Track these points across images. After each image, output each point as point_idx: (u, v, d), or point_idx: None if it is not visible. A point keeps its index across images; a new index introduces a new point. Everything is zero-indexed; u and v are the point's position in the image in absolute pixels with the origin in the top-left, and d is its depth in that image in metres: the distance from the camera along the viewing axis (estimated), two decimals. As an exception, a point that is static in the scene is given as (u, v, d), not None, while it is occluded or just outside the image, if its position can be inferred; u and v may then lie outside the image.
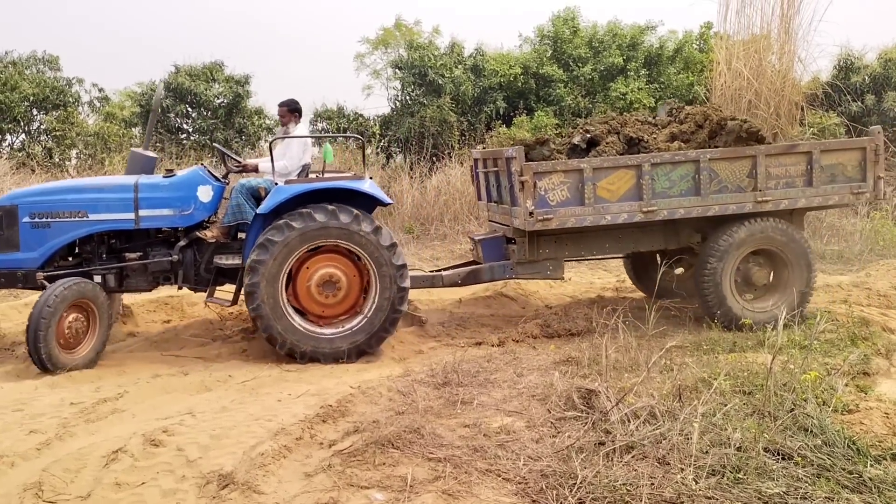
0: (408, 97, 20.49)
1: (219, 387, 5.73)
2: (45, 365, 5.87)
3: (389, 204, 6.91)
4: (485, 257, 7.37)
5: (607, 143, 7.15)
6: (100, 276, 6.47)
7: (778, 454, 3.81)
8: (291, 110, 7.25)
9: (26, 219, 6.33)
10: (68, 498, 3.78)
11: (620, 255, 8.52)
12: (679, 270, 8.67)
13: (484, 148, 14.21)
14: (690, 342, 6.26)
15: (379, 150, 17.86)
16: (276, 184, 6.69)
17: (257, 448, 4.25)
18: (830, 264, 10.34)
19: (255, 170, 7.07)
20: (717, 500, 3.37)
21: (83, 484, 3.93)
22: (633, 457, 3.81)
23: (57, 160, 19.73)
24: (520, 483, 3.62)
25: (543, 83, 18.77)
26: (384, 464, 3.85)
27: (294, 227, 6.26)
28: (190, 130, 21.61)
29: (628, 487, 3.46)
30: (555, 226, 6.67)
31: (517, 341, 6.61)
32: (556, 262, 7.15)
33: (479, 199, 8.20)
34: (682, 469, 3.63)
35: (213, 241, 6.70)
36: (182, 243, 6.65)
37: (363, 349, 6.41)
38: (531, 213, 6.56)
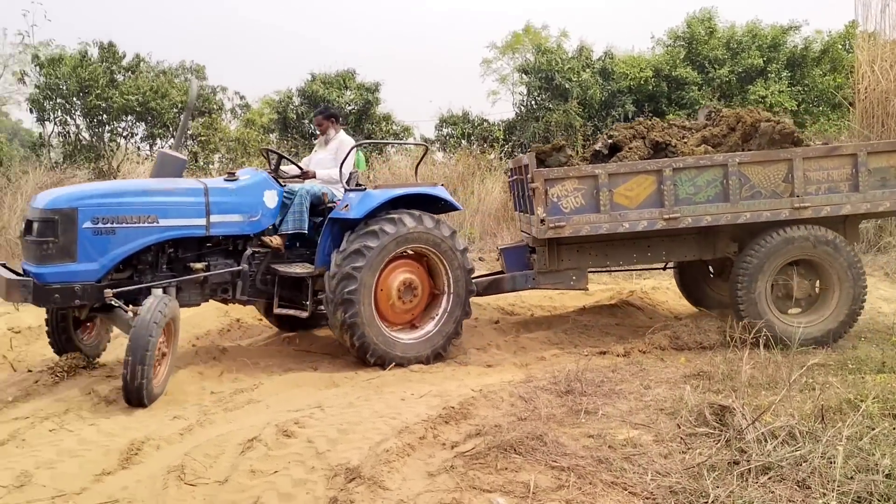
0: (533, 102, 20.42)
1: (346, 383, 5.91)
2: (142, 400, 5.11)
3: (459, 210, 6.97)
4: (507, 266, 7.27)
5: (630, 149, 6.83)
6: (160, 292, 5.61)
7: (935, 486, 3.50)
8: (328, 117, 7.31)
9: (87, 224, 5.48)
10: (207, 481, 3.99)
11: (650, 267, 8.24)
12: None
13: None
14: (834, 360, 5.87)
15: (502, 155, 17.86)
16: (342, 189, 6.72)
17: (382, 444, 4.34)
18: None
19: (314, 176, 6.89)
20: (865, 531, 3.13)
21: (221, 469, 4.14)
22: (769, 478, 3.60)
23: (201, 164, 21.00)
24: (647, 498, 3.50)
25: (676, 86, 18.23)
26: (506, 469, 3.83)
27: (388, 232, 6.18)
28: (313, 131, 22.43)
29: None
30: (568, 233, 6.45)
31: (643, 352, 6.42)
32: (579, 272, 6.94)
33: (515, 208, 8.02)
34: (824, 494, 3.40)
35: (277, 249, 6.43)
36: (248, 252, 6.33)
37: (439, 353, 6.45)
38: (542, 221, 6.38)
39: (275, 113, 22.73)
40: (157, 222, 5.78)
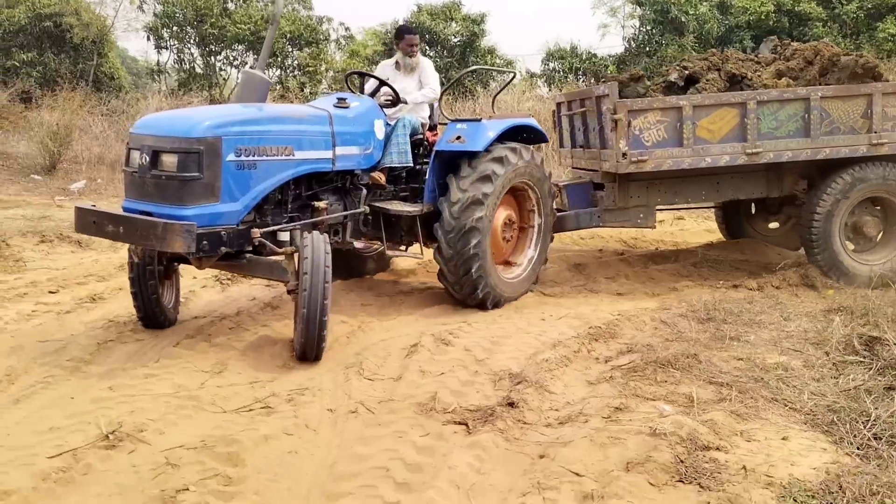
0: (645, 36, 19.90)
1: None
2: (320, 352, 4.61)
3: (546, 142, 6.79)
4: (570, 204, 6.93)
5: (707, 81, 6.58)
6: (286, 235, 5.03)
7: None
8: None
9: (231, 157, 4.61)
10: (383, 377, 4.38)
11: (716, 204, 8.05)
12: (773, 224, 8.14)
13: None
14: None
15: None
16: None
17: (538, 356, 4.63)
18: None
19: (405, 102, 6.13)
20: None
21: (392, 368, 4.53)
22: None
23: (308, 93, 21.49)
24: (808, 414, 3.66)
25: (798, 22, 17.43)
26: (666, 381, 4.06)
27: (511, 162, 5.85)
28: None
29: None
30: (650, 168, 6.21)
31: (777, 287, 6.45)
32: (647, 210, 6.72)
33: (562, 145, 7.74)
34: None
35: (382, 186, 5.78)
36: (362, 190, 5.69)
37: (529, 289, 6.30)
38: (624, 155, 6.10)
39: (380, 44, 22.91)
40: (293, 155, 5.01)
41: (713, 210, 8.68)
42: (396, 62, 6.51)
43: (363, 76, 6.22)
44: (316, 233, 4.74)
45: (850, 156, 6.37)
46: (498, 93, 7.57)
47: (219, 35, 21.78)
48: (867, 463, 3.13)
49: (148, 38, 22.38)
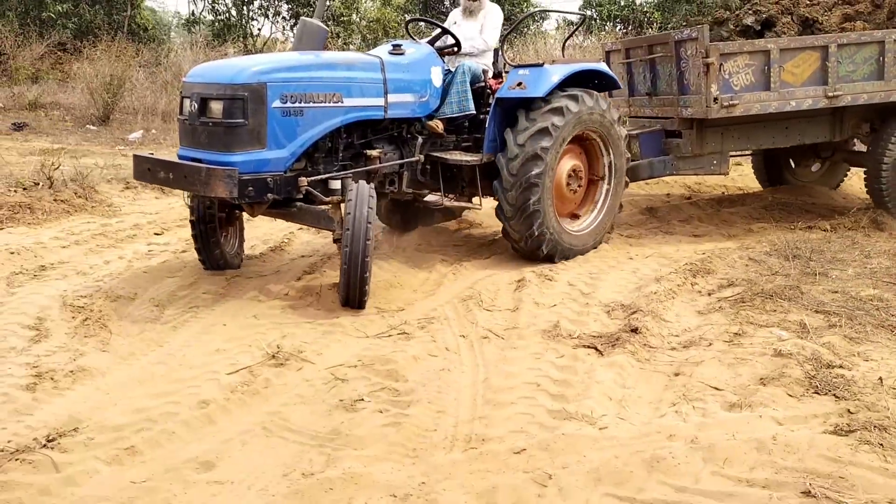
0: (684, -17, 19.68)
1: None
2: (364, 298, 4.58)
3: (619, 89, 6.63)
4: (643, 152, 6.90)
5: (784, 24, 6.65)
6: (338, 184, 4.93)
7: None
8: None
9: (277, 103, 4.63)
10: (500, 308, 4.68)
11: (753, 152, 8.13)
12: (815, 167, 8.30)
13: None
14: None
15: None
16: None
17: (643, 289, 4.91)
18: None
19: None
20: None
21: (505, 300, 4.83)
22: None
23: (342, 44, 21.48)
24: (904, 335, 3.94)
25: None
26: (775, 311, 4.33)
27: (572, 110, 5.60)
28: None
29: None
30: (739, 112, 6.26)
31: (850, 228, 6.66)
32: (721, 157, 6.79)
33: (636, 92, 7.39)
34: None
35: (440, 135, 5.72)
36: (418, 139, 5.61)
37: (599, 241, 6.12)
38: (716, 99, 6.09)
39: (414, -7, 22.81)
40: (342, 102, 4.97)
41: (750, 158, 8.78)
42: (464, 6, 6.35)
43: (425, 22, 6.36)
44: (362, 182, 4.71)
45: None
46: (569, 37, 7.57)
47: (254, -15, 21.77)
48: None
49: (183, -12, 22.34)
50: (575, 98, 5.67)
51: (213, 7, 23.00)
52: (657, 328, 4.20)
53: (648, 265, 5.64)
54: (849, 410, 3.10)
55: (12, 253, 5.57)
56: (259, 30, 23.25)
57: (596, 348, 3.96)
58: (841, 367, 3.55)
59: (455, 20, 6.43)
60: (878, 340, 3.89)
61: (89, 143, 12.51)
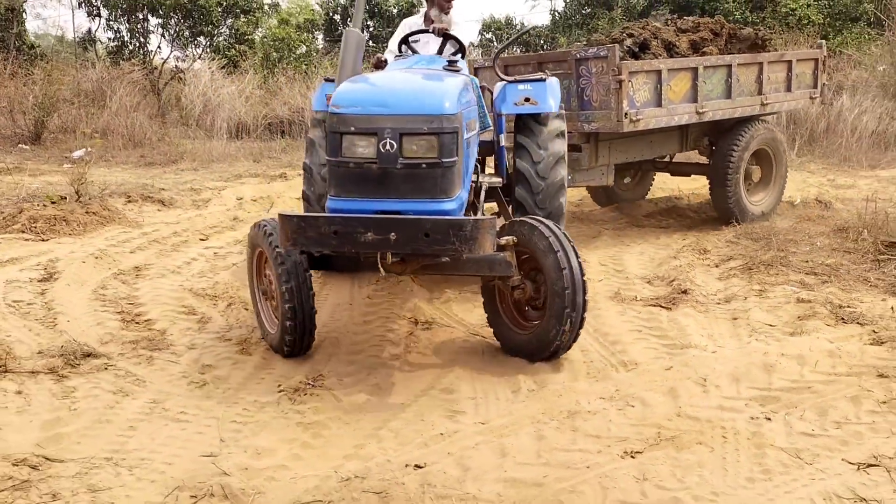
0: (574, 9, 21.60)
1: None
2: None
3: None
4: None
5: (654, 47, 7.07)
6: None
7: None
8: None
9: (465, 134, 4.11)
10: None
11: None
12: (627, 180, 8.89)
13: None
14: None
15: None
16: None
17: (663, 266, 6.09)
18: None
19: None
20: None
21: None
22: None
23: (247, 65, 21.76)
24: (875, 286, 5.29)
25: (710, -5, 19.53)
26: (777, 274, 5.61)
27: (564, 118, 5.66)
28: (366, 38, 23.29)
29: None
30: (642, 127, 6.55)
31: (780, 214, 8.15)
32: (608, 168, 7.12)
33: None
34: None
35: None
36: None
37: None
38: (626, 115, 6.33)
39: (310, 12, 23.49)
40: (475, 129, 4.67)
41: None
42: (427, 18, 5.94)
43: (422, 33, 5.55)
44: (551, 224, 4.13)
45: (750, 115, 7.47)
46: (504, 47, 7.18)
47: (155, 4, 21.63)
48: (946, 308, 4.79)
49: (80, 5, 21.88)
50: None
51: (109, 25, 22.62)
52: (697, 290, 5.37)
53: (654, 248, 6.83)
54: (874, 331, 4.37)
55: (97, 258, 5.98)
56: (158, 47, 23.10)
57: (661, 306, 5.06)
58: (849, 306, 4.84)
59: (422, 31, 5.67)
60: (862, 290, 5.24)
61: (33, 162, 12.39)
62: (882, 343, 4.19)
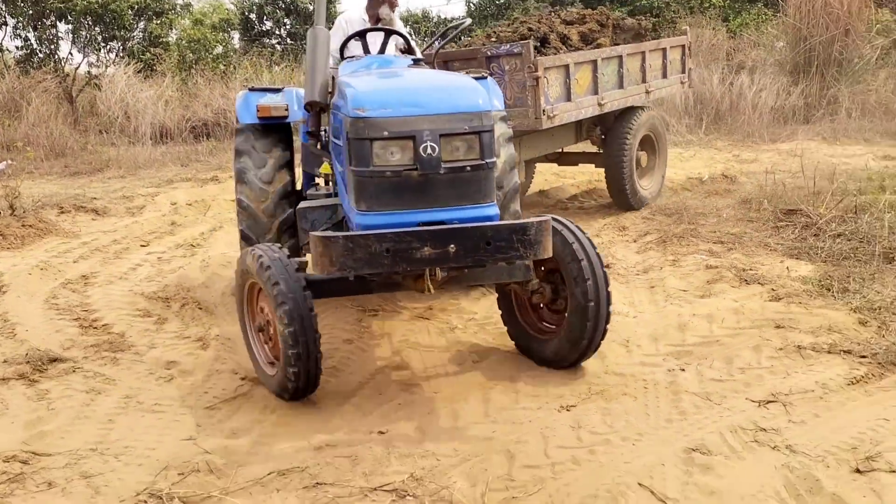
0: (485, 1, 22.12)
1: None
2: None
3: None
4: None
5: (553, 41, 7.06)
6: None
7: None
8: None
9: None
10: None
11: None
12: None
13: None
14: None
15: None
16: None
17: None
18: None
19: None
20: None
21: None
22: (842, 239, 6.09)
23: (161, 70, 21.49)
24: (783, 251, 5.91)
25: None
26: (688, 245, 6.16)
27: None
28: (283, 36, 23.30)
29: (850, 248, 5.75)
30: (557, 122, 6.50)
31: (689, 191, 8.80)
32: (520, 165, 6.94)
33: None
34: (879, 244, 5.91)
35: None
36: None
37: None
38: (544, 111, 6.25)
39: (225, 12, 23.34)
40: None
41: None
42: (372, 17, 5.73)
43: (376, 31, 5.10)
44: (569, 222, 3.95)
45: (637, 104, 7.63)
46: (446, 42, 6.51)
47: (64, 9, 21.09)
48: (836, 268, 5.39)
49: (-19, 13, 21.13)
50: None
51: (16, 33, 21.93)
52: (619, 263, 5.87)
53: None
54: (772, 289, 4.94)
55: (42, 269, 6.07)
56: (70, 54, 22.49)
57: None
58: (751, 269, 5.41)
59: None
60: (763, 254, 5.83)
61: (-51, 177, 12.10)
62: (780, 299, 4.76)
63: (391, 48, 5.08)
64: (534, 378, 3.90)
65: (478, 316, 4.89)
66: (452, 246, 3.21)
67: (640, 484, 2.91)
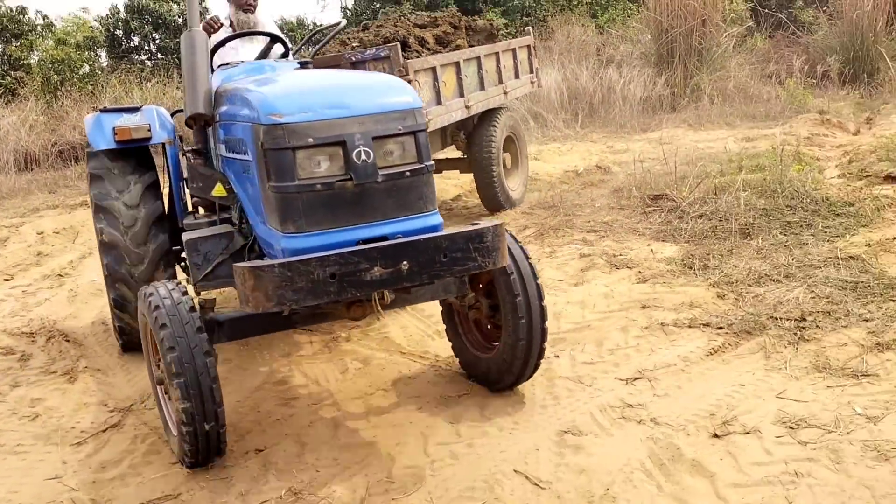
0: (363, 6, 22.15)
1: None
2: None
3: None
4: None
5: (412, 44, 6.91)
6: None
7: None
8: None
9: None
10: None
11: None
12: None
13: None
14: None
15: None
16: None
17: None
18: (761, 122, 13.25)
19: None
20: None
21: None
22: (703, 219, 6.43)
23: (23, 93, 20.40)
24: (642, 234, 6.18)
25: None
26: (564, 236, 6.36)
27: None
28: (153, 51, 22.54)
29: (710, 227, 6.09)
30: (433, 127, 6.12)
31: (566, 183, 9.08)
32: None
33: None
34: (735, 221, 6.28)
35: None
36: None
37: None
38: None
39: (89, 29, 22.37)
40: None
41: None
42: (231, 23, 5.40)
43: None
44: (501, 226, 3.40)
45: (497, 105, 7.51)
46: (321, 46, 6.13)
47: None
48: (698, 246, 5.69)
49: None
50: None
51: None
52: (497, 259, 5.98)
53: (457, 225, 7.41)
54: (640, 272, 5.17)
55: None
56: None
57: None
58: (621, 254, 5.64)
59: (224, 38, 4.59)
60: (632, 239, 6.09)
61: None
62: (646, 281, 4.99)
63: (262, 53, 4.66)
64: (415, 379, 3.93)
65: (361, 324, 4.88)
66: (405, 263, 2.83)
67: (515, 470, 2.99)
